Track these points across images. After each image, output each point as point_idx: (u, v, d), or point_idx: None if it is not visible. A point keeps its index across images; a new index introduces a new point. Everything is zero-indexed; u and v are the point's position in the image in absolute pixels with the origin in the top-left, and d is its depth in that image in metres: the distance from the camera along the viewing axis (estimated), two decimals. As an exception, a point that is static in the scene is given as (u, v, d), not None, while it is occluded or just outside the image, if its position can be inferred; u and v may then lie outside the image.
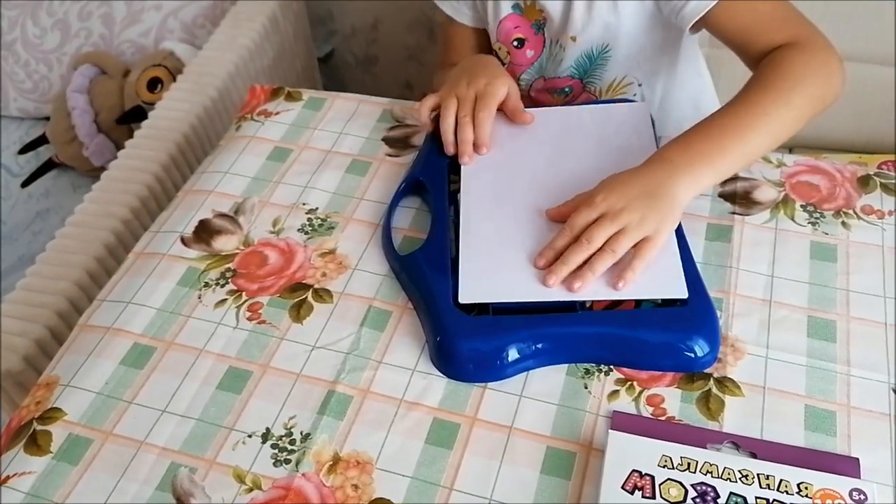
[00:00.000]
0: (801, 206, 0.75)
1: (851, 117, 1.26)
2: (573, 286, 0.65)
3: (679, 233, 0.70)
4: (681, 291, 0.65)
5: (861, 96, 1.24)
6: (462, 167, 0.79)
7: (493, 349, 0.64)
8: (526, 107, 0.83)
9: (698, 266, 0.69)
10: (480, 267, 0.69)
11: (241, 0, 1.34)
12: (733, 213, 0.75)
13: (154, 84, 1.28)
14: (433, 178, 0.79)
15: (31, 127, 1.49)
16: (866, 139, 1.27)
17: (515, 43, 0.94)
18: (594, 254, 0.66)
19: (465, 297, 0.66)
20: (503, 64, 0.96)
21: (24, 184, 1.39)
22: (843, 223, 0.73)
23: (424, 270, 0.70)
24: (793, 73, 0.72)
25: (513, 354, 0.64)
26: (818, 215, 0.74)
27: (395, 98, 0.93)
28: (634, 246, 0.66)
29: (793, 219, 0.74)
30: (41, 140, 1.42)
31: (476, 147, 0.79)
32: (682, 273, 0.66)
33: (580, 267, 0.66)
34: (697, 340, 0.64)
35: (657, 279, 0.66)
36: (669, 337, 0.64)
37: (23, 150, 1.44)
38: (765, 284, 0.69)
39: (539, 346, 0.64)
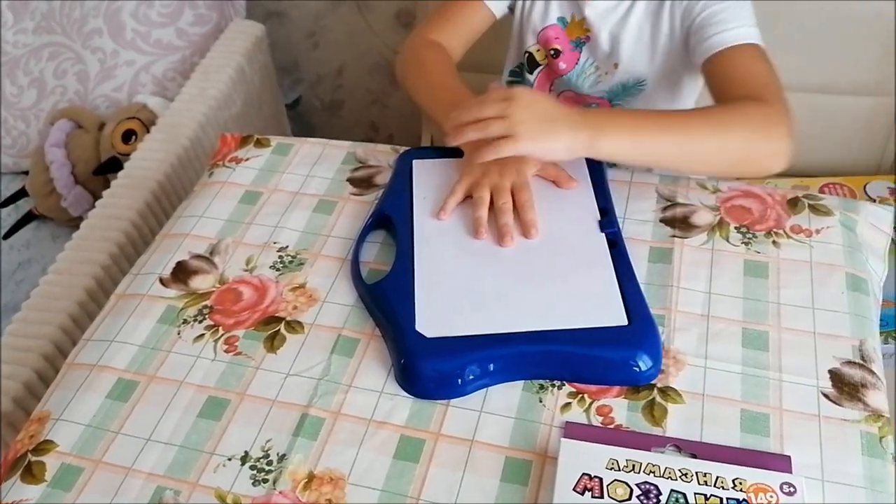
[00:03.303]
0: (735, 227, 0.81)
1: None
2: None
3: (624, 257, 0.77)
4: (620, 319, 0.71)
5: (805, 124, 1.32)
6: (416, 205, 0.84)
7: (453, 368, 0.69)
8: None
9: (642, 286, 0.75)
10: (437, 299, 0.75)
11: (210, 54, 1.40)
12: (673, 236, 0.81)
13: (128, 136, 1.33)
14: (399, 212, 0.84)
15: (10, 181, 1.53)
16: (804, 164, 1.35)
17: (552, 52, 1.00)
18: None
19: (424, 330, 0.71)
20: (539, 66, 1.03)
21: (6, 236, 1.43)
22: (774, 242, 0.79)
23: (390, 297, 0.75)
24: (739, 114, 0.79)
25: (471, 373, 0.69)
26: (751, 236, 0.80)
27: (361, 139, 0.99)
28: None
29: (727, 240, 0.80)
30: (21, 193, 1.47)
31: (526, 230, 0.80)
32: (622, 301, 0.72)
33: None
34: (641, 356, 0.69)
35: (599, 308, 0.72)
36: (616, 354, 0.70)
37: (3, 204, 1.48)
38: (703, 301, 0.75)
39: (495, 365, 0.69)
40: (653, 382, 0.69)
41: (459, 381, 0.69)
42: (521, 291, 0.75)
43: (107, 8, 1.46)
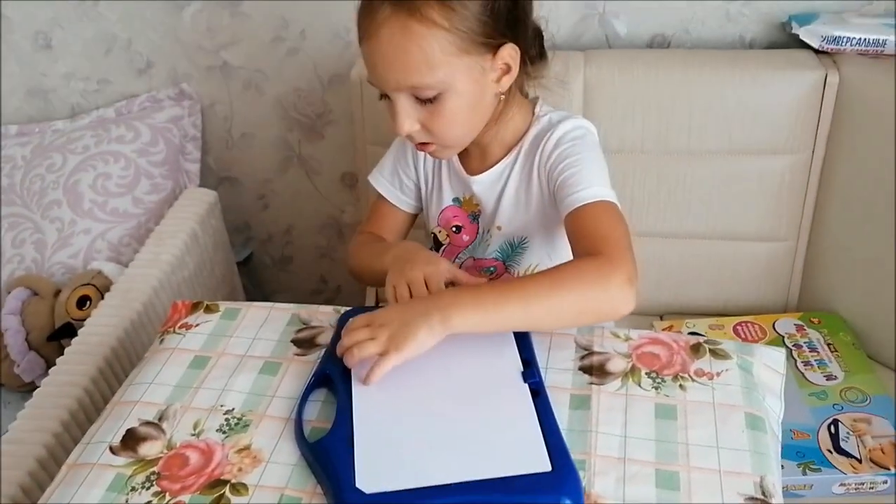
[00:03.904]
0: (646, 373, 0.89)
1: (707, 285, 1.45)
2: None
3: (546, 405, 0.83)
4: (544, 465, 0.77)
5: (716, 268, 1.44)
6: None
7: (389, 524, 0.74)
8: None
9: (564, 433, 0.81)
10: (374, 454, 0.79)
11: (164, 221, 1.48)
12: (591, 383, 0.88)
13: (83, 302, 1.39)
14: (338, 370, 0.90)
15: (-37, 348, 1.56)
16: (723, 303, 1.45)
17: (454, 229, 1.13)
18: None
19: (363, 486, 0.76)
20: (442, 244, 1.16)
21: (-44, 402, 1.44)
22: (681, 385, 0.87)
23: (330, 455, 0.80)
24: (572, 272, 0.89)
25: (407, 527, 0.73)
26: (660, 380, 0.88)
27: (311, 291, 1.06)
28: None
29: (639, 385, 0.87)
30: (-27, 360, 1.49)
31: None
32: (545, 448, 0.78)
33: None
34: (565, 501, 0.74)
35: (524, 455, 0.78)
36: (541, 500, 0.75)
37: (-45, 371, 1.50)
38: (619, 444, 0.81)
39: (430, 516, 0.74)
40: (575, 526, 0.74)
41: (396, 535, 0.73)
42: (451, 442, 0.81)
43: (66, 180, 1.55)
